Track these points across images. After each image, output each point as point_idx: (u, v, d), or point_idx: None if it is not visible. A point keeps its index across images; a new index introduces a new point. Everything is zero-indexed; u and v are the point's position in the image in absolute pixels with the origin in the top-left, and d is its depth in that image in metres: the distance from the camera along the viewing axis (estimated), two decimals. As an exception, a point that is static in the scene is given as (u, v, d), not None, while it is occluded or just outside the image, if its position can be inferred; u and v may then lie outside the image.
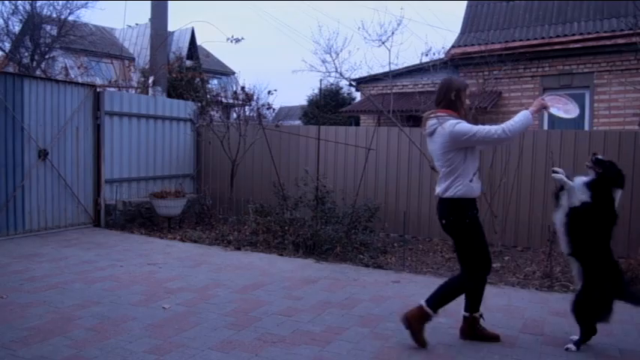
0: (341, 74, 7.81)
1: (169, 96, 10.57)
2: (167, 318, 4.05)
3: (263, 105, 8.72)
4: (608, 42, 10.12)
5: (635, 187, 6.63)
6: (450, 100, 3.61)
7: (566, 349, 3.61)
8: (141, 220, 8.25)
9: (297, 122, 23.13)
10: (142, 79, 12.98)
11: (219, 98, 11.12)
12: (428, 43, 26.86)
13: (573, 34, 10.67)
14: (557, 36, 10.82)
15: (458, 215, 3.57)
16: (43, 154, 7.31)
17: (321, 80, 23.22)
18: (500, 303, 4.70)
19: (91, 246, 6.63)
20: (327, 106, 19.67)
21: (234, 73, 27.28)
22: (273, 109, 11.03)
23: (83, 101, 7.87)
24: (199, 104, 9.93)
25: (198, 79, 12.61)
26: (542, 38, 10.95)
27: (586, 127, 10.51)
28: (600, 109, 10.38)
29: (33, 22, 15.60)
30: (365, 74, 11.17)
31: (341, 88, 21.70)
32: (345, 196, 7.37)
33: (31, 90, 7.16)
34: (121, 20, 59.01)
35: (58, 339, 3.56)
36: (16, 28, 16.40)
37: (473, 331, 3.75)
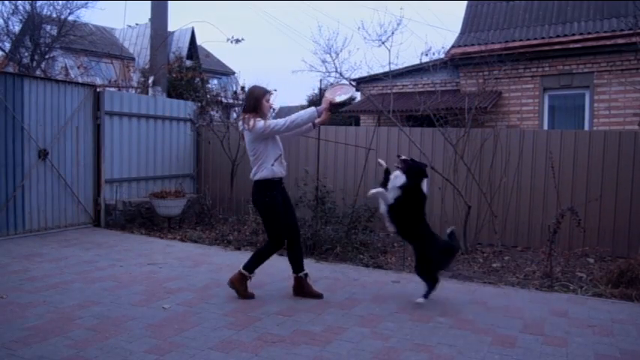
0: (341, 74, 7.82)
1: (169, 96, 10.57)
2: (167, 318, 4.05)
3: (263, 105, 8.71)
4: (608, 42, 10.12)
5: (635, 187, 6.63)
6: None
7: (417, 302, 4.48)
8: (141, 220, 8.25)
9: (297, 122, 23.06)
10: (142, 79, 12.97)
11: (219, 98, 11.12)
12: (428, 43, 26.83)
13: (573, 34, 10.67)
14: (557, 36, 10.82)
15: None
16: (43, 154, 7.31)
17: (321, 80, 23.19)
18: (500, 303, 4.70)
19: (90, 246, 6.63)
20: (327, 106, 19.62)
21: (234, 73, 27.31)
22: (273, 109, 11.03)
23: (83, 101, 7.87)
24: (199, 104, 9.93)
25: (198, 79, 12.59)
26: (542, 38, 10.96)
27: (586, 127, 10.52)
28: (600, 109, 10.38)
29: (33, 22, 15.56)
30: (365, 74, 11.18)
31: (341, 88, 21.65)
32: (345, 196, 7.37)
33: (31, 90, 7.16)
34: (121, 20, 58.98)
35: (58, 339, 3.56)
36: (16, 28, 16.37)
37: (302, 288, 4.67)
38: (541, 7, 11.77)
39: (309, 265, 5.95)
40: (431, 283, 4.58)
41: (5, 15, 16.50)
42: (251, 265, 4.56)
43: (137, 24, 26.50)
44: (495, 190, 7.18)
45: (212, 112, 10.11)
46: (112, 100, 8.20)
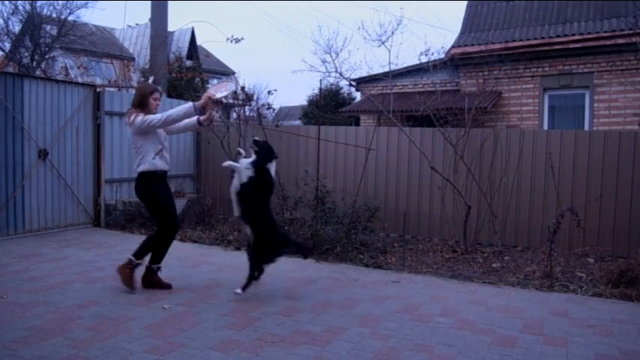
0: (341, 74, 7.79)
1: (169, 96, 10.58)
2: (167, 318, 4.05)
3: (263, 105, 8.71)
4: (608, 42, 10.11)
5: (635, 187, 6.63)
6: None
7: (236, 293, 4.53)
8: (141, 220, 8.23)
9: (297, 122, 23.10)
10: (142, 79, 12.97)
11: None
12: (428, 43, 26.80)
13: (573, 34, 10.67)
14: (557, 36, 10.82)
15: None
16: (43, 154, 7.30)
17: (321, 80, 23.10)
18: (500, 303, 4.70)
19: (90, 246, 6.63)
20: (327, 106, 19.62)
21: (234, 73, 27.27)
22: (273, 109, 11.04)
23: (83, 101, 7.87)
24: (199, 104, 9.90)
25: (198, 79, 12.61)
26: (542, 38, 10.95)
27: (586, 127, 10.52)
28: (600, 109, 10.37)
29: (33, 22, 15.57)
30: (365, 74, 11.15)
31: (341, 88, 21.64)
32: (345, 196, 7.37)
33: (31, 90, 7.16)
34: (121, 20, 59.02)
35: (58, 339, 3.56)
36: (16, 28, 16.38)
37: (151, 279, 4.80)
38: (541, 7, 11.77)
39: (310, 264, 5.97)
40: (252, 272, 4.63)
41: (5, 15, 16.49)
42: (140, 252, 4.69)
43: (137, 24, 26.53)
44: (495, 190, 7.17)
45: (212, 112, 10.10)
46: (112, 100, 8.20)
